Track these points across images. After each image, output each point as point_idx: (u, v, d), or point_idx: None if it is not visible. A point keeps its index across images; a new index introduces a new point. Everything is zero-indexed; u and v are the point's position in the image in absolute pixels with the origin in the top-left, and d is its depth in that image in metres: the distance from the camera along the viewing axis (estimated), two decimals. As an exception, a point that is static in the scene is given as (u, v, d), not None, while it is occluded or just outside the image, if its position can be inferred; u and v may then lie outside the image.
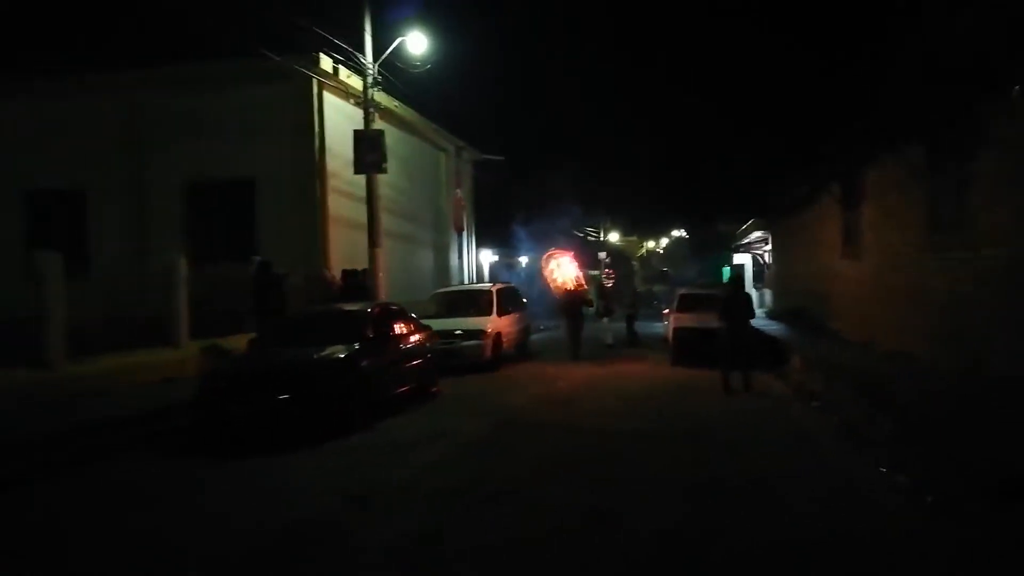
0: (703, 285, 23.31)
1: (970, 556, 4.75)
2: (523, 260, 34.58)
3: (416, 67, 16.37)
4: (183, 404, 9.35)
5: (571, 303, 17.67)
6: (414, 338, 11.30)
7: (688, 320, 15.05)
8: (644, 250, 65.14)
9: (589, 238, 42.47)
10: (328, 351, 9.22)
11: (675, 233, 57.48)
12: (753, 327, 13.09)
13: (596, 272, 27.40)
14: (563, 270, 19.75)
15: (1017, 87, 7.52)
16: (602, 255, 37.65)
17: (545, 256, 21.06)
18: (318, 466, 7.60)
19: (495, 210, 31.10)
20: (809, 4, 14.93)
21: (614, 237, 50.45)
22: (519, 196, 32.94)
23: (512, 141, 32.00)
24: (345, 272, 15.38)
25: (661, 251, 64.42)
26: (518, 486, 6.66)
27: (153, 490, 7.02)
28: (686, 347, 14.87)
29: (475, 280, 25.68)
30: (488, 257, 30.86)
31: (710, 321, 14.35)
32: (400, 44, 15.84)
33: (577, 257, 21.34)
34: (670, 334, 15.93)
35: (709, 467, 7.22)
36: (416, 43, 16.00)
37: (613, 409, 10.52)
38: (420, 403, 10.88)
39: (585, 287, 19.64)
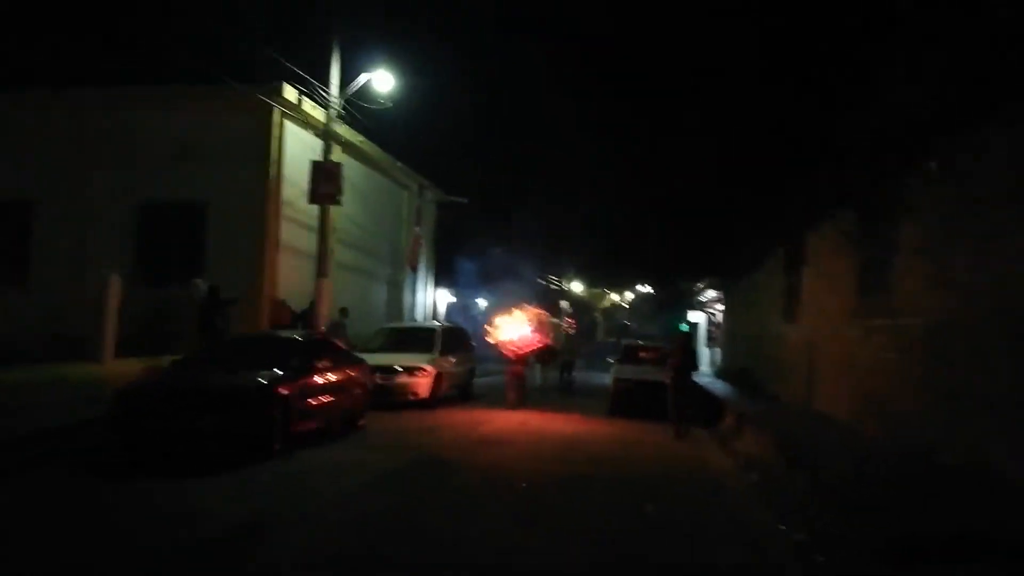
0: (650, 337, 23.59)
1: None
2: (481, 303, 34.48)
3: (382, 104, 16.57)
4: (96, 421, 9.15)
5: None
6: (346, 370, 11.19)
7: (628, 372, 15.13)
8: (608, 303, 65.64)
9: (552, 287, 42.64)
10: (250, 376, 9.10)
11: (640, 288, 58.02)
12: (694, 381, 13.42)
13: (556, 320, 26.76)
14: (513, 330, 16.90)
15: (934, 162, 7.80)
16: (564, 304, 37.85)
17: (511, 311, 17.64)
18: (224, 491, 7.43)
19: (457, 252, 31.17)
20: (760, 67, 15.40)
21: (578, 287, 50.72)
22: (484, 240, 33.02)
23: (480, 186, 32.19)
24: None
25: (627, 305, 64.92)
26: (419, 522, 6.59)
27: (55, 508, 6.75)
28: (623, 398, 14.90)
29: (428, 319, 25.61)
30: (446, 297, 30.77)
31: (649, 373, 14.59)
32: (367, 82, 16.03)
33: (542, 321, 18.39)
34: (611, 383, 16.02)
35: (623, 511, 7.31)
36: (383, 81, 16.24)
37: (541, 455, 10.47)
38: (344, 436, 10.75)
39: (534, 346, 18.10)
